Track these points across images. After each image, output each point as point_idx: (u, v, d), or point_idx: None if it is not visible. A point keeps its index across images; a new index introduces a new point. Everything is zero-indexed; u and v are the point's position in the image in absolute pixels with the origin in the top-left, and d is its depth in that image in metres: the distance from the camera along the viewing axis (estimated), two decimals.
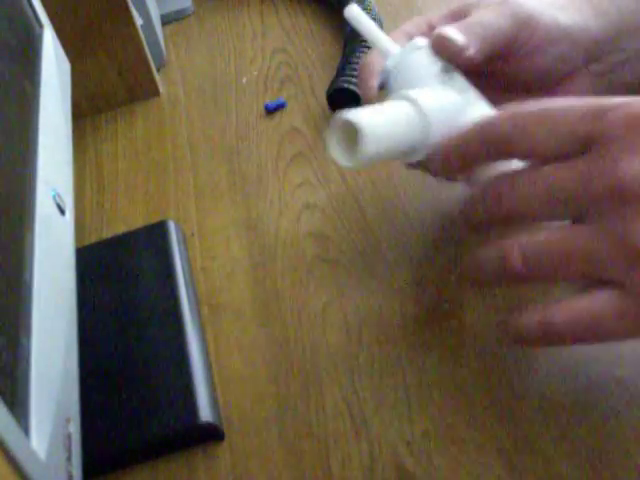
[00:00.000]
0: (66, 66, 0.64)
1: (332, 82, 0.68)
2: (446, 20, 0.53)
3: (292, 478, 0.45)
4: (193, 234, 0.61)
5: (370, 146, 0.43)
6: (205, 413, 0.47)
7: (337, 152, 0.44)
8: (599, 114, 0.37)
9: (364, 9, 0.74)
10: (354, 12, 0.52)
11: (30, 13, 0.58)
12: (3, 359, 0.34)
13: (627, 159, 0.36)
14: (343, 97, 0.67)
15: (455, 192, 0.57)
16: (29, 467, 0.31)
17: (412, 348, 0.49)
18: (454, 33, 0.49)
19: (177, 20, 0.89)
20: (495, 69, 0.52)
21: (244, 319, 0.54)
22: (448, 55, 0.49)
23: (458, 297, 0.50)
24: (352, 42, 0.71)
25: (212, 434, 0.47)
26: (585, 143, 0.38)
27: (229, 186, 0.65)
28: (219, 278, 0.57)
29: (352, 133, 0.43)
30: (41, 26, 0.59)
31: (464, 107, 0.47)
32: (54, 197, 0.48)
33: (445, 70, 0.49)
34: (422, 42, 0.50)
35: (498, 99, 0.49)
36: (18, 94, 0.49)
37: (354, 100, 0.65)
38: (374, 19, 0.72)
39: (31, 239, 0.42)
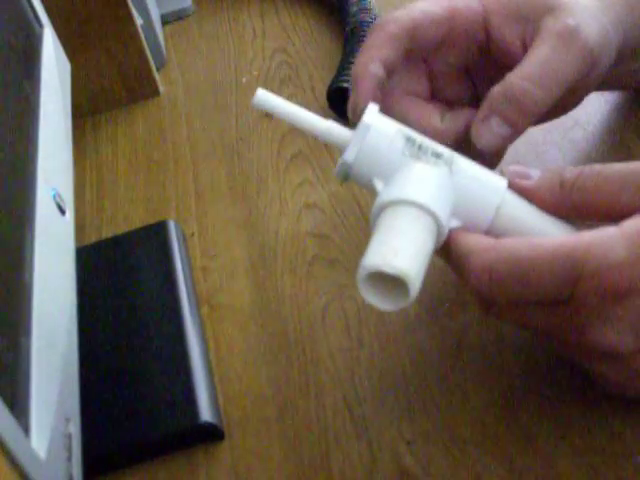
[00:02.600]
0: (66, 66, 0.64)
1: (332, 81, 0.68)
2: (431, 28, 0.47)
3: (292, 478, 0.45)
4: (193, 234, 0.61)
5: (417, 288, 0.38)
6: (205, 413, 0.47)
7: (373, 300, 0.39)
8: (572, 279, 0.37)
9: (364, 9, 0.74)
10: (262, 97, 0.44)
11: (30, 13, 0.58)
12: (3, 359, 0.34)
13: (595, 326, 0.38)
14: (343, 96, 0.66)
15: None
16: (29, 467, 0.31)
17: (412, 348, 0.49)
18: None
19: (177, 20, 0.89)
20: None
21: (244, 319, 0.54)
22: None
23: (458, 297, 0.50)
24: (352, 42, 0.71)
25: (212, 434, 0.47)
26: (563, 294, 0.38)
27: (229, 186, 0.65)
28: (219, 278, 0.57)
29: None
30: (41, 26, 0.59)
31: (454, 178, 0.42)
32: (54, 197, 0.48)
33: (408, 141, 0.43)
34: (370, 117, 0.43)
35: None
36: (18, 94, 0.49)
37: None
38: (373, 22, 0.72)
39: (31, 239, 0.42)
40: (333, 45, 0.78)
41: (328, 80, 0.70)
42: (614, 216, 0.39)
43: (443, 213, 0.41)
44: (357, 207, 0.59)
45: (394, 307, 0.39)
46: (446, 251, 0.41)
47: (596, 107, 0.60)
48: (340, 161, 0.43)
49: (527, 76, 0.44)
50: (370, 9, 0.75)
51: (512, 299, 0.39)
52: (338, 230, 0.58)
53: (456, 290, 0.51)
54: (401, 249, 0.39)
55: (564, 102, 0.47)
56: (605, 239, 0.37)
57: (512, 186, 0.42)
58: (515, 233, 0.42)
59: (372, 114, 0.43)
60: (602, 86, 0.52)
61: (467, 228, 0.42)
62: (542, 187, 0.42)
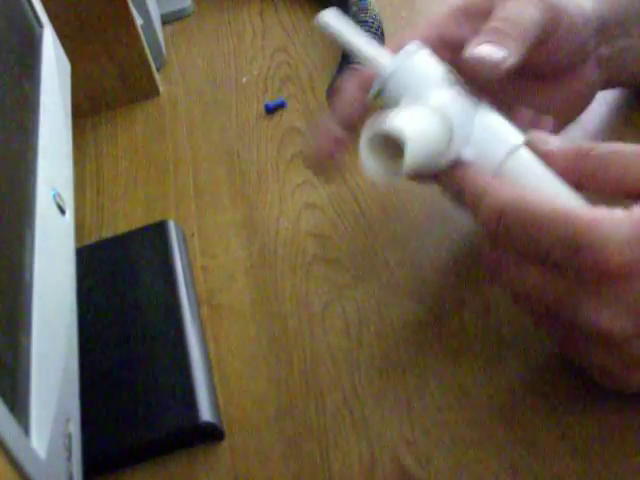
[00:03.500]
0: (66, 66, 0.64)
1: (332, 81, 0.68)
2: (456, 20, 0.49)
3: (292, 478, 0.45)
4: (193, 234, 0.61)
5: (414, 158, 0.40)
6: (205, 413, 0.47)
7: (372, 166, 0.41)
8: (574, 247, 0.37)
9: (364, 8, 0.74)
10: (328, 19, 0.45)
11: (30, 13, 0.58)
12: (3, 359, 0.34)
13: (590, 303, 0.38)
14: None
15: None
16: (29, 467, 0.31)
17: (412, 348, 0.49)
18: (489, 50, 0.44)
19: (177, 20, 0.89)
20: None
21: (244, 319, 0.54)
22: (486, 76, 0.45)
23: (458, 297, 0.50)
24: None
25: (212, 434, 0.47)
26: (563, 259, 0.38)
27: (229, 186, 0.65)
28: (219, 278, 0.57)
29: (386, 144, 0.40)
30: (41, 26, 0.59)
31: (477, 116, 0.44)
32: (54, 197, 0.48)
33: (448, 74, 0.45)
34: (415, 47, 0.46)
35: (511, 88, 0.49)
36: (18, 94, 0.49)
37: None
38: (373, 22, 0.72)
39: (31, 239, 0.42)
40: (333, 45, 0.78)
41: (328, 80, 0.70)
42: (618, 193, 0.40)
43: (459, 124, 0.43)
44: (357, 207, 0.59)
45: (392, 174, 0.41)
46: (461, 187, 0.43)
47: (596, 107, 0.60)
48: (380, 74, 0.45)
49: (495, 17, 0.46)
50: (370, 9, 0.75)
51: (517, 248, 0.40)
52: (338, 230, 0.58)
53: (456, 290, 0.51)
54: (404, 115, 0.41)
55: (546, 63, 0.49)
56: (614, 219, 0.37)
57: (530, 147, 0.43)
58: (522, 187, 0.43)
59: (415, 46, 0.46)
60: (606, 84, 0.53)
61: (478, 164, 0.43)
62: (558, 152, 0.43)
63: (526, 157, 0.44)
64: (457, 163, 0.44)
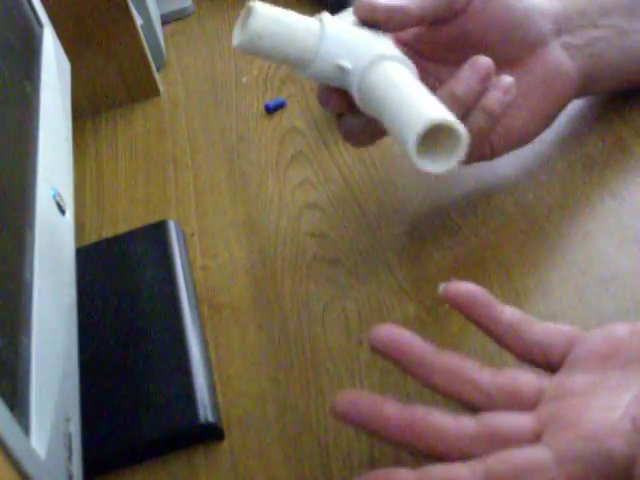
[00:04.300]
0: (66, 66, 0.64)
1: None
2: None
3: (292, 478, 0.45)
4: (193, 234, 0.61)
5: (258, 22, 0.47)
6: (205, 413, 0.47)
7: (237, 35, 0.49)
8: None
9: None
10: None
11: (30, 13, 0.58)
12: (3, 359, 0.34)
13: None
14: None
15: (456, 193, 0.57)
16: (29, 466, 0.31)
17: None
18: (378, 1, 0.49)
19: (177, 20, 0.89)
20: (449, 29, 0.52)
21: (244, 319, 0.54)
22: (377, 20, 0.49)
23: None
24: None
25: (212, 434, 0.47)
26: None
27: (229, 186, 0.65)
28: (219, 278, 0.57)
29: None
30: (41, 26, 0.59)
31: (369, 42, 0.49)
32: (54, 197, 0.48)
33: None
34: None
35: (463, 62, 0.50)
36: (18, 94, 0.49)
37: None
38: None
39: (31, 239, 0.42)
40: None
41: None
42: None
43: (333, 38, 0.49)
44: (357, 207, 0.59)
45: (237, 41, 0.48)
46: None
47: (594, 106, 0.60)
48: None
49: None
50: None
51: None
52: (338, 230, 0.58)
53: None
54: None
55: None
56: None
57: None
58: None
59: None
60: (590, 61, 0.54)
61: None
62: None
63: (392, 66, 0.48)
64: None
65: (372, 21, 0.50)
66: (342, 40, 0.49)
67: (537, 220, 0.53)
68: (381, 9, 0.50)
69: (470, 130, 0.48)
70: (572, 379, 0.39)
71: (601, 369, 0.38)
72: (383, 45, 0.50)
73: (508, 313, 0.42)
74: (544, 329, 0.41)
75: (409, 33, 0.53)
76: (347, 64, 0.49)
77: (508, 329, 0.41)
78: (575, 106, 0.56)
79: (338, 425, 0.46)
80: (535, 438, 0.37)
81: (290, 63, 0.50)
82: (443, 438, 0.38)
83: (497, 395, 0.39)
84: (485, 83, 0.49)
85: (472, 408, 0.40)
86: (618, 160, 0.55)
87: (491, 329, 0.42)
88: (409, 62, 0.49)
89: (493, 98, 0.49)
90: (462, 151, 0.45)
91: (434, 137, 0.44)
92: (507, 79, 0.50)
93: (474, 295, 0.42)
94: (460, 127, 0.44)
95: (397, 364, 0.41)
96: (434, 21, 0.52)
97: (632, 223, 0.51)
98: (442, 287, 0.43)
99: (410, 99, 0.46)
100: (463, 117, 0.49)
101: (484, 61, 0.49)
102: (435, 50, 0.54)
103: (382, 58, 0.49)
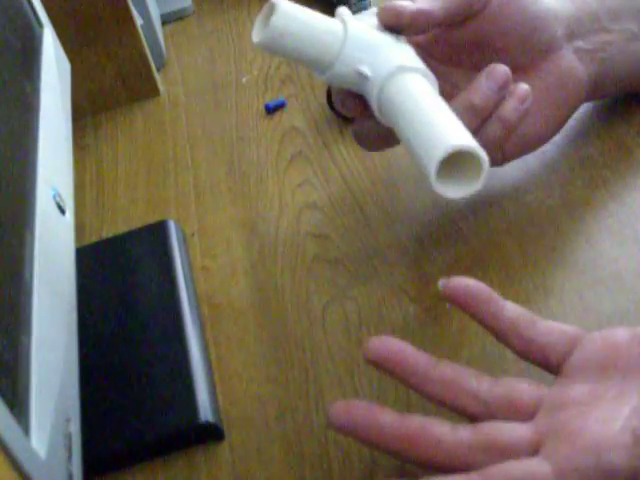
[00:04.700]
0: (66, 66, 0.64)
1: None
2: None
3: (292, 478, 0.45)
4: (193, 234, 0.61)
5: (280, 20, 0.46)
6: (205, 413, 0.47)
7: (258, 33, 0.48)
8: None
9: (363, 9, 0.74)
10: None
11: (30, 13, 0.58)
12: (3, 359, 0.34)
13: None
14: None
15: None
16: (29, 467, 0.31)
17: None
18: (401, 3, 0.48)
19: (177, 20, 0.89)
20: (465, 31, 0.52)
21: (244, 319, 0.54)
22: (401, 25, 0.49)
23: None
24: None
25: (212, 434, 0.47)
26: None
27: (229, 186, 0.65)
28: (219, 278, 0.57)
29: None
30: (41, 26, 0.59)
31: (391, 49, 0.49)
32: (54, 197, 0.48)
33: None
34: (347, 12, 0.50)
35: (478, 66, 0.50)
36: (18, 94, 0.49)
37: None
38: None
39: (31, 239, 0.42)
40: None
41: None
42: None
43: (355, 40, 0.48)
44: (357, 207, 0.59)
45: (258, 38, 0.48)
46: None
47: (596, 107, 0.60)
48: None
49: None
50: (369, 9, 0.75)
51: None
52: (338, 230, 0.58)
53: None
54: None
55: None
56: None
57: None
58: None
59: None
60: (601, 66, 0.54)
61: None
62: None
63: (413, 79, 0.47)
64: None
65: (397, 26, 0.49)
66: (364, 45, 0.48)
67: (537, 220, 0.53)
68: (407, 14, 0.49)
69: (486, 139, 0.48)
70: (571, 388, 0.38)
71: (601, 378, 0.38)
72: (405, 54, 0.49)
73: (509, 309, 0.42)
74: (545, 328, 0.41)
75: (424, 35, 0.53)
76: (367, 71, 0.48)
77: (509, 326, 0.41)
78: (578, 109, 0.56)
79: None
80: (534, 449, 0.36)
81: (309, 64, 0.50)
82: (441, 448, 0.37)
83: (495, 404, 0.39)
84: (503, 92, 0.48)
85: (470, 417, 0.40)
86: (619, 161, 0.55)
87: (491, 326, 0.42)
88: (430, 74, 0.48)
89: (510, 107, 0.49)
90: (483, 177, 0.44)
91: (454, 160, 0.43)
92: (523, 87, 0.49)
93: (474, 290, 0.42)
94: (482, 153, 0.43)
95: (392, 375, 0.41)
96: (452, 22, 0.51)
97: (632, 223, 0.51)
98: (442, 283, 0.43)
99: (432, 120, 0.45)
100: (479, 126, 0.48)
101: (502, 69, 0.48)
102: (449, 53, 0.53)
103: (404, 70, 0.47)
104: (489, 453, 0.37)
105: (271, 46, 0.48)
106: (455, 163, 0.43)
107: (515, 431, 0.37)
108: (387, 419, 0.38)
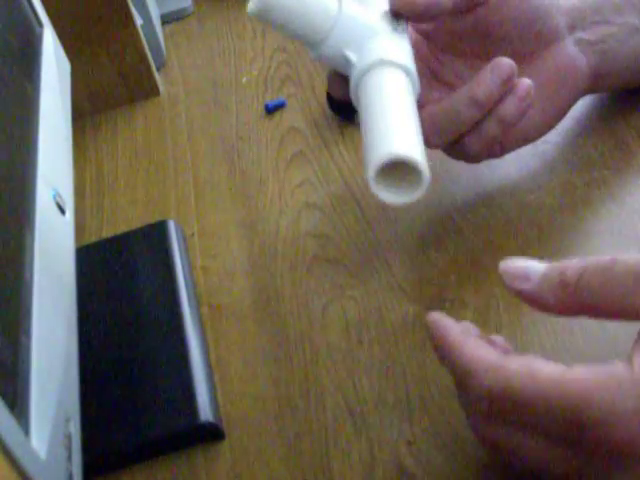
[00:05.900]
0: (66, 66, 0.64)
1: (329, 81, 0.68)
2: None
3: (292, 478, 0.45)
4: (193, 234, 0.61)
5: (427, 169, 0.43)
6: (205, 413, 0.47)
7: (251, 2, 0.47)
8: (575, 425, 0.33)
9: None
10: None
11: (30, 13, 0.58)
12: (3, 359, 0.34)
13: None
14: None
15: (456, 193, 0.57)
16: (29, 467, 0.31)
17: (412, 348, 0.49)
18: None
19: (177, 20, 0.89)
20: (469, 20, 0.52)
21: (244, 319, 0.54)
22: (414, 12, 0.48)
23: (458, 297, 0.50)
24: None
25: (212, 434, 0.47)
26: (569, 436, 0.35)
27: (229, 186, 0.65)
28: (219, 278, 0.57)
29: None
30: (41, 26, 0.59)
31: (382, 38, 0.48)
32: (54, 197, 0.48)
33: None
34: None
35: (479, 55, 0.50)
36: (18, 94, 0.49)
37: None
38: None
39: (31, 239, 0.42)
40: None
41: None
42: (627, 316, 0.36)
43: (347, 18, 0.48)
44: (357, 207, 0.59)
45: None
46: (449, 361, 0.39)
47: (596, 107, 0.60)
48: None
49: None
50: None
51: (515, 426, 0.36)
52: (338, 230, 0.58)
53: (456, 290, 0.51)
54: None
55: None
56: (612, 384, 0.32)
57: (510, 289, 0.40)
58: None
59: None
60: (603, 57, 0.54)
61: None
62: (543, 290, 0.38)
63: (390, 75, 0.46)
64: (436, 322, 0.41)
65: (409, 13, 0.49)
66: (355, 30, 0.48)
67: (537, 221, 0.53)
68: (421, 3, 0.48)
69: (485, 136, 0.48)
70: None
71: None
72: (394, 46, 0.48)
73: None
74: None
75: (428, 24, 0.53)
76: (353, 57, 0.48)
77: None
78: (577, 106, 0.55)
79: (338, 425, 0.46)
80: None
81: (300, 39, 0.49)
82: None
83: None
84: (506, 86, 0.48)
85: None
86: (619, 161, 0.55)
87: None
88: (414, 72, 0.48)
89: (510, 107, 0.48)
90: (422, 190, 0.43)
91: (400, 167, 0.43)
92: (526, 83, 0.49)
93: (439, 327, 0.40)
94: (424, 167, 0.42)
95: None
96: (459, 11, 0.51)
97: (632, 224, 0.51)
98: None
99: (387, 122, 0.44)
100: (479, 120, 0.48)
101: (507, 63, 0.48)
102: (452, 42, 0.53)
103: (384, 63, 0.47)
104: None
105: (263, 16, 0.47)
106: (402, 169, 0.43)
107: None
108: None
